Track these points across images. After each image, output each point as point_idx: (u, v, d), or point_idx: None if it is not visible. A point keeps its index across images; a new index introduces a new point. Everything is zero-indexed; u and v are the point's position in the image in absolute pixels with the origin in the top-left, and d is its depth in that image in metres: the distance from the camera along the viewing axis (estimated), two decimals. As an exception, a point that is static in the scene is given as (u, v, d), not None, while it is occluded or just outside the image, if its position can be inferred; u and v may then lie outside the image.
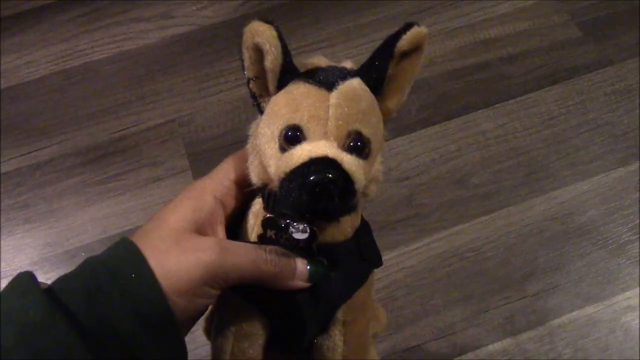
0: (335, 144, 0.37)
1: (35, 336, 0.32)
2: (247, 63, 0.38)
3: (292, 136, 0.37)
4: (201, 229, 0.39)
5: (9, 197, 0.87)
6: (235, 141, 0.89)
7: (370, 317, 0.46)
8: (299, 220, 0.38)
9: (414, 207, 0.82)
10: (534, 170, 0.84)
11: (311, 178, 0.34)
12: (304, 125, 0.37)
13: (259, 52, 0.37)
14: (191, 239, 0.38)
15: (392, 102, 0.40)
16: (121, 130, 0.92)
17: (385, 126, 0.41)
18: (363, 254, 0.42)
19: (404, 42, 0.38)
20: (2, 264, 0.81)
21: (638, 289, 0.76)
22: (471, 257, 0.79)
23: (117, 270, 0.35)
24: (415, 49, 0.39)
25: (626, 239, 0.79)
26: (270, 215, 0.39)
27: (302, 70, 0.39)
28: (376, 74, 0.39)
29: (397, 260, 0.78)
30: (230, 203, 0.41)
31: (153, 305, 0.35)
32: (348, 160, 0.36)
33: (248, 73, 0.39)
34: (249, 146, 0.41)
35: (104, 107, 0.94)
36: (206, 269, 0.37)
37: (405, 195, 0.83)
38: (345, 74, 0.38)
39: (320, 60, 0.40)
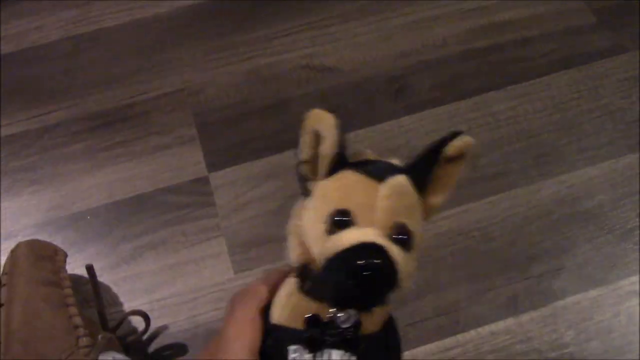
0: (382, 233, 0.38)
1: None
2: (304, 146, 0.41)
3: (341, 220, 0.39)
4: None
5: (15, 159, 0.87)
6: (244, 112, 0.89)
7: None
8: (335, 306, 0.40)
9: (421, 184, 0.82)
10: (543, 153, 0.84)
11: (359, 262, 0.36)
12: (353, 211, 0.39)
13: (316, 138, 0.41)
14: None
15: (434, 201, 0.42)
16: (130, 97, 0.91)
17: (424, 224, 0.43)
18: (388, 346, 0.43)
19: (451, 148, 0.40)
20: (9, 224, 0.81)
21: (643, 274, 0.76)
22: (477, 236, 0.79)
23: None
24: (460, 155, 0.41)
25: (633, 224, 0.79)
26: (314, 315, 0.41)
27: (351, 160, 0.42)
28: (421, 175, 0.41)
29: (403, 237, 0.78)
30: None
31: None
32: (395, 250, 0.38)
33: (303, 155, 0.42)
34: (289, 226, 0.43)
35: (114, 74, 0.94)
36: None
37: (414, 172, 0.83)
38: (394, 170, 0.41)
39: (368, 154, 0.43)
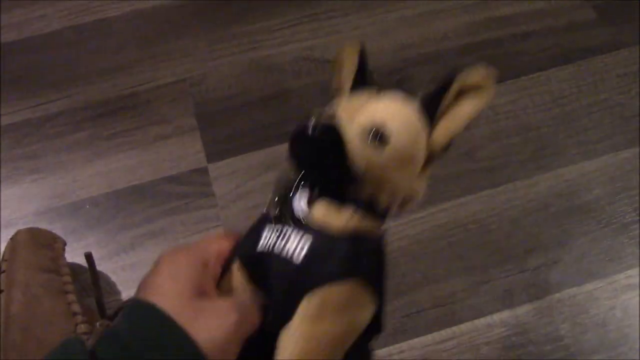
0: (354, 127, 0.39)
1: None
2: (334, 74, 0.46)
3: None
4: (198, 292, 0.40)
5: (17, 147, 0.87)
6: (244, 103, 0.89)
7: (337, 335, 0.40)
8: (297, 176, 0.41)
9: (420, 177, 0.82)
10: (542, 147, 0.84)
11: (303, 128, 0.38)
12: (340, 112, 0.40)
13: (344, 67, 0.45)
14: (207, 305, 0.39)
15: (438, 138, 0.42)
16: (132, 87, 0.92)
17: (430, 165, 0.43)
18: (346, 255, 0.39)
19: (462, 78, 0.41)
20: (9, 212, 0.82)
21: (639, 268, 0.76)
22: (474, 228, 0.79)
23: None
24: (475, 89, 0.41)
25: (630, 219, 0.79)
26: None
27: None
28: (432, 103, 0.41)
29: (401, 228, 0.79)
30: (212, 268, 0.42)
31: None
32: (350, 132, 0.38)
33: (333, 83, 0.46)
34: None
35: (116, 64, 0.94)
36: (236, 331, 0.38)
37: (412, 165, 0.83)
38: (401, 92, 0.42)
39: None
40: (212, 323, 0.37)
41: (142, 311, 0.37)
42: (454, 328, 0.74)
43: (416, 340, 0.73)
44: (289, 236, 0.40)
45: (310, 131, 0.37)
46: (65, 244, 0.75)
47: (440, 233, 0.79)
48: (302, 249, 0.39)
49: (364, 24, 0.96)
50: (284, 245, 0.40)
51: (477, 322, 0.74)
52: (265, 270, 0.41)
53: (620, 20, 0.95)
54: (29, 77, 0.93)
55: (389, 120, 0.40)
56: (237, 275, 0.42)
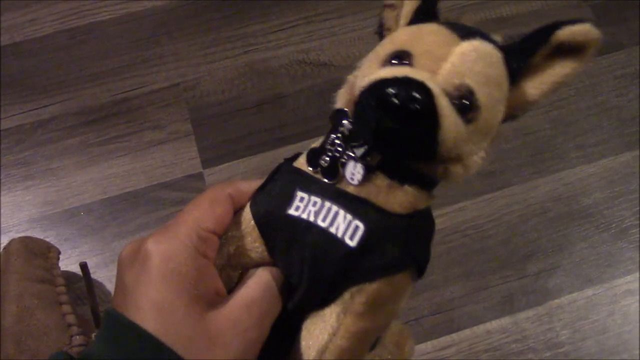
0: (439, 84, 0.31)
1: None
2: None
3: (398, 59, 0.33)
4: (206, 299, 0.33)
5: (9, 154, 0.86)
6: (239, 108, 0.88)
7: (380, 326, 0.37)
8: (361, 137, 0.34)
9: (417, 182, 0.82)
10: (539, 151, 0.84)
11: (390, 89, 0.29)
12: (416, 55, 0.33)
13: None
14: (221, 329, 0.32)
15: (527, 93, 0.36)
16: (125, 92, 0.90)
17: (504, 124, 0.37)
18: (405, 243, 0.35)
19: (566, 31, 0.34)
20: (2, 220, 0.81)
21: (639, 273, 0.75)
22: (473, 234, 0.78)
23: None
24: (577, 50, 0.35)
25: (629, 223, 0.79)
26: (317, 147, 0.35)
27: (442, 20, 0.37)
28: (520, 55, 0.35)
29: (399, 234, 0.78)
30: (211, 254, 0.35)
31: None
32: (444, 104, 0.31)
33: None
34: (349, 76, 0.37)
35: (109, 68, 0.93)
36: (257, 343, 0.33)
37: (410, 169, 0.83)
38: (487, 37, 0.35)
39: (466, 19, 0.37)
40: (230, 348, 0.31)
41: (139, 344, 0.30)
42: (453, 335, 0.73)
43: (415, 348, 0.72)
44: (337, 211, 0.34)
45: (396, 94, 0.29)
46: (59, 252, 0.74)
47: (439, 239, 0.78)
48: (356, 228, 0.33)
49: (359, 25, 0.95)
50: (333, 220, 0.34)
51: (476, 329, 0.73)
52: (293, 242, 0.35)
53: (618, 21, 0.94)
54: (21, 82, 0.92)
55: (482, 83, 0.33)
56: (252, 244, 0.37)
